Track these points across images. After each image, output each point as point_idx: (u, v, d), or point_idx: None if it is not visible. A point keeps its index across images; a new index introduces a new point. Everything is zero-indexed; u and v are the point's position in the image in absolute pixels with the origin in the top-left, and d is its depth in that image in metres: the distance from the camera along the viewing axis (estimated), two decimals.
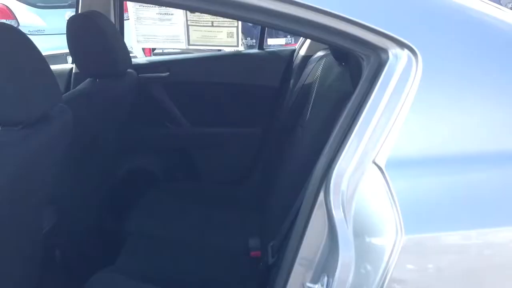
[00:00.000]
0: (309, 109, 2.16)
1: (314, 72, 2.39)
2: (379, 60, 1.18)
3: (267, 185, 2.52)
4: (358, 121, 1.17)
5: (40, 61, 1.56)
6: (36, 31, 6.02)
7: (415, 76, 1.15)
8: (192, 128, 2.97)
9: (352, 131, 1.17)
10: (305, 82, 2.44)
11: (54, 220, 2.11)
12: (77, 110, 1.84)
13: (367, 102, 1.17)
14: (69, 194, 2.17)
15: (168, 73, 2.90)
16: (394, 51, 1.16)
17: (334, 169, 1.18)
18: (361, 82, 1.22)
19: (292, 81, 2.80)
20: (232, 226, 2.45)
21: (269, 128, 2.89)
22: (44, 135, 1.59)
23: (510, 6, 6.36)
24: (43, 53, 1.58)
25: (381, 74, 1.17)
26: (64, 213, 2.15)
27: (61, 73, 2.81)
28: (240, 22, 2.98)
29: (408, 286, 1.13)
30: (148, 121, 2.93)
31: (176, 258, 2.17)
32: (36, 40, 1.61)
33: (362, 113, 1.17)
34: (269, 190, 2.44)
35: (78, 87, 2.20)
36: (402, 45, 1.15)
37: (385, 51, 1.17)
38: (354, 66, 1.59)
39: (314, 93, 2.19)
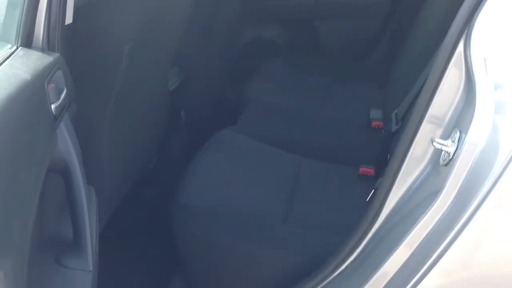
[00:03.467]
0: None
1: None
2: None
3: (393, 58, 2.42)
4: None
5: None
6: None
7: None
8: None
9: None
10: None
11: (179, 80, 2.18)
12: None
13: None
14: (193, 55, 2.21)
15: None
16: None
17: (477, 17, 1.07)
18: None
19: None
20: (353, 98, 2.40)
21: None
22: None
23: None
24: None
25: None
26: (189, 74, 2.20)
27: None
28: None
29: None
30: None
31: (296, 125, 2.18)
32: None
33: None
34: (395, 62, 2.33)
35: None
36: None
37: None
38: None
39: None
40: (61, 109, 1.10)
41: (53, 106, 1.07)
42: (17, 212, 0.90)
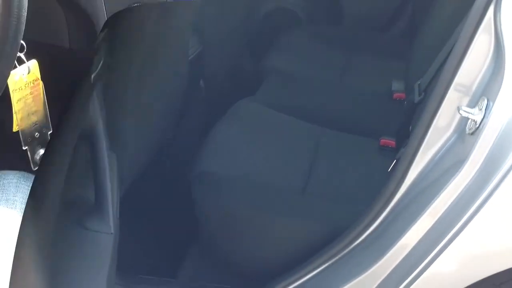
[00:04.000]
0: None
1: None
2: None
3: (416, 28, 2.37)
4: None
5: None
6: None
7: None
8: None
9: None
10: None
11: (198, 49, 2.16)
12: None
13: None
14: (213, 24, 2.19)
15: None
16: None
17: None
18: None
19: None
20: (374, 70, 2.37)
21: None
22: None
23: None
24: None
25: None
26: (208, 43, 2.18)
27: None
28: None
29: None
30: None
31: (316, 96, 2.16)
32: None
33: None
34: (418, 33, 2.29)
35: None
36: None
37: None
38: None
39: None
40: None
41: None
42: None
